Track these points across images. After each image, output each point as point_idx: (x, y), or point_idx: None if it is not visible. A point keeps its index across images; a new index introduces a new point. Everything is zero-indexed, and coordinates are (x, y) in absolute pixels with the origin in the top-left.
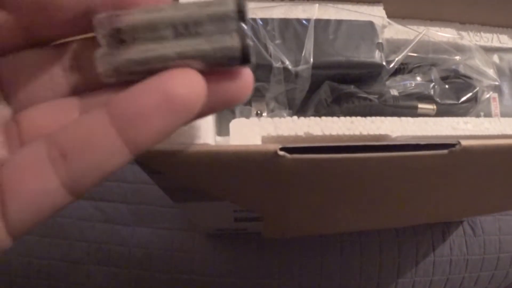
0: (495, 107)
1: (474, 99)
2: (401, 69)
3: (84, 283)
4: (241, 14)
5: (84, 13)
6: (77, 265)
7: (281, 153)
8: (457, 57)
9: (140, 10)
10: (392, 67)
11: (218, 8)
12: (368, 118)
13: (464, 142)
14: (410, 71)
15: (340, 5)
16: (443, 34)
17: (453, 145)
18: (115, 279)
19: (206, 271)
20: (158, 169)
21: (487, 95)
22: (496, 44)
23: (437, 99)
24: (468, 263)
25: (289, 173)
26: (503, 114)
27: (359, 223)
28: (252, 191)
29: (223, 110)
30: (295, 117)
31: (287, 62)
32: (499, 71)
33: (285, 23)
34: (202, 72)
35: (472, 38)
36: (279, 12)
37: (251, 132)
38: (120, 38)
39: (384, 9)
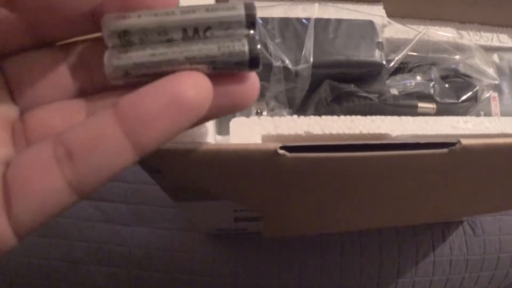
0: (495, 106)
1: (474, 98)
2: (401, 68)
3: (84, 283)
4: (250, 19)
5: (91, 13)
6: (77, 265)
7: (281, 151)
8: (457, 57)
9: (149, 12)
10: (392, 66)
11: (228, 12)
12: (368, 117)
13: (464, 141)
14: (410, 70)
15: (340, 4)
16: (443, 33)
17: (453, 144)
18: (115, 279)
19: (206, 271)
20: (158, 168)
21: (487, 94)
22: (496, 43)
23: (437, 98)
24: (468, 263)
25: (289, 172)
26: (503, 113)
27: (359, 222)
28: (252, 190)
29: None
30: (295, 116)
31: (287, 61)
32: (499, 70)
33: (285, 22)
34: (209, 75)
35: (472, 38)
36: (279, 11)
37: (251, 131)
38: (128, 39)
39: (384, 8)
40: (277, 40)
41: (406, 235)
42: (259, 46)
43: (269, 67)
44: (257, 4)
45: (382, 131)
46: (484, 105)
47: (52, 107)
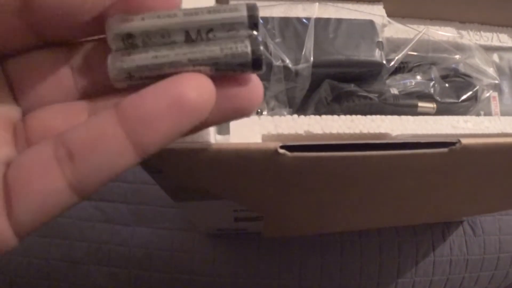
0: (495, 106)
1: (474, 98)
2: (401, 68)
3: (84, 283)
4: (253, 20)
5: (100, 17)
6: (77, 265)
7: (282, 151)
8: (457, 56)
9: (152, 14)
10: (392, 65)
11: (230, 14)
12: (368, 116)
13: (464, 141)
14: (410, 70)
15: (340, 4)
16: (443, 33)
17: (453, 144)
18: (115, 279)
19: (206, 271)
20: (159, 167)
21: (487, 94)
22: (496, 43)
23: (437, 97)
24: (468, 263)
25: (289, 172)
26: (503, 113)
27: (359, 222)
28: (252, 190)
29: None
30: (295, 116)
31: (287, 61)
32: (499, 70)
33: (285, 22)
34: (212, 79)
35: (472, 37)
36: (279, 10)
37: (251, 130)
38: (131, 42)
39: (384, 8)
40: (277, 40)
41: (406, 235)
42: (262, 48)
43: (269, 66)
44: (257, 3)
45: (382, 130)
46: (484, 105)
47: (54, 108)
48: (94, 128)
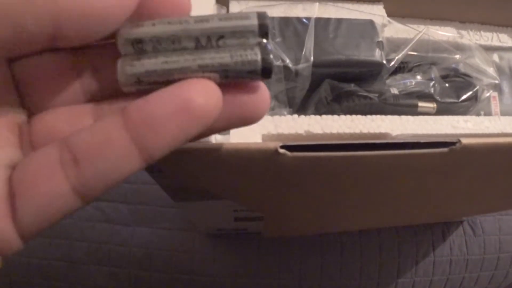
0: (495, 105)
1: (474, 98)
2: (401, 68)
3: (84, 283)
4: (264, 29)
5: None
6: (77, 265)
7: (282, 151)
8: (457, 56)
9: (163, 21)
10: (392, 65)
11: (241, 22)
12: (368, 116)
13: (464, 141)
14: (410, 70)
15: (340, 4)
16: (443, 33)
17: (453, 143)
18: (115, 279)
19: (206, 271)
20: (159, 167)
21: (487, 94)
22: (496, 43)
23: (437, 97)
24: (468, 263)
25: (289, 172)
26: (503, 113)
27: (359, 222)
28: (252, 190)
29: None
30: (295, 116)
31: (288, 61)
32: (499, 70)
33: (285, 22)
34: (220, 85)
35: (472, 37)
36: (279, 10)
37: (251, 130)
38: (141, 47)
39: (384, 8)
40: (278, 40)
41: (406, 235)
42: (272, 56)
43: None
44: (257, 3)
45: (382, 130)
46: (484, 105)
47: (59, 111)
48: (100, 133)
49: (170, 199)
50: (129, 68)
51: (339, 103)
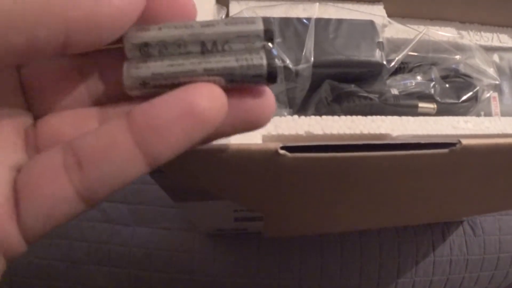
0: (495, 106)
1: (475, 98)
2: (402, 68)
3: (84, 283)
4: (269, 35)
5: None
6: (77, 265)
7: (282, 152)
8: (457, 56)
9: (169, 25)
10: (393, 66)
11: (247, 27)
12: (369, 117)
13: (464, 141)
14: (410, 70)
15: (340, 4)
16: (443, 33)
17: (453, 144)
18: (115, 279)
19: (206, 271)
20: (159, 167)
21: (488, 94)
22: (496, 43)
23: (438, 98)
24: (468, 263)
25: (289, 172)
26: (503, 113)
27: (359, 222)
28: (252, 190)
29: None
30: (295, 116)
31: (288, 61)
32: (499, 70)
33: (285, 22)
34: (225, 89)
35: (472, 38)
36: (279, 11)
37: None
38: (147, 51)
39: (385, 8)
40: (278, 40)
41: (406, 235)
42: (277, 61)
43: None
44: (257, 3)
45: (383, 131)
46: (484, 105)
47: (65, 114)
48: (104, 136)
49: (170, 199)
50: (134, 71)
51: (339, 104)
